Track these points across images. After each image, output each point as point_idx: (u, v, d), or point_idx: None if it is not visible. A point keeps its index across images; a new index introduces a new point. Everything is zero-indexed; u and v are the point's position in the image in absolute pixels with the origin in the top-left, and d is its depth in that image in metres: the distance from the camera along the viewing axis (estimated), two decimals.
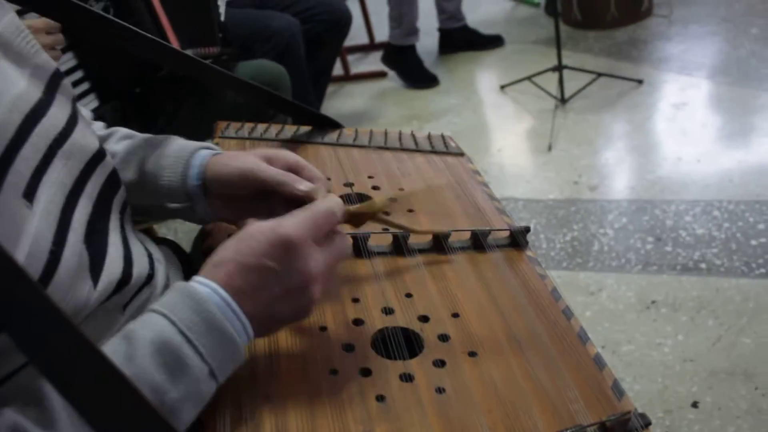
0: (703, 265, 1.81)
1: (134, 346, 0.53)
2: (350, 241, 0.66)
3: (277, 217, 0.61)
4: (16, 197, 0.56)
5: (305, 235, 0.59)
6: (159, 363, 0.53)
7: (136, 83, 1.60)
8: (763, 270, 1.76)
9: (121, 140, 0.86)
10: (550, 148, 2.51)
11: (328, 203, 0.63)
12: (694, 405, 1.40)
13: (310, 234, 0.59)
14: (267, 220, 0.60)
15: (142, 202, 0.81)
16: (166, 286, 0.77)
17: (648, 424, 0.61)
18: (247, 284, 0.57)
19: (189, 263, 0.90)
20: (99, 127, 0.89)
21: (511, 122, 2.84)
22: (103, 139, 0.85)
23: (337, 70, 3.22)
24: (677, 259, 1.85)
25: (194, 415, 0.55)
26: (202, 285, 0.57)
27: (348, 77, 3.63)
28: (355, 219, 0.71)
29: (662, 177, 2.24)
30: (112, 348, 0.53)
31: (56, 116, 0.67)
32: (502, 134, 2.77)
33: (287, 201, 0.73)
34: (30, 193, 0.58)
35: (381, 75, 3.57)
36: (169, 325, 0.54)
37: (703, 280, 1.76)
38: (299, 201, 0.71)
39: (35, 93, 0.65)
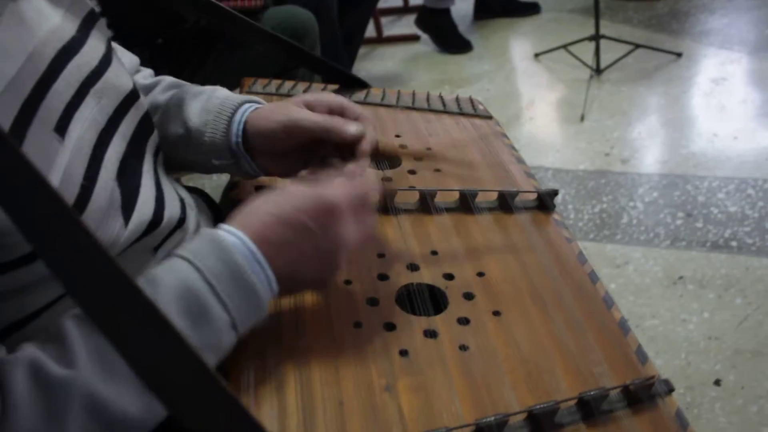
0: (733, 243, 1.77)
1: (157, 290, 0.51)
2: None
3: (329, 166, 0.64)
4: (48, 131, 0.56)
5: (348, 205, 0.59)
6: (181, 308, 0.51)
7: (159, 33, 1.58)
8: None
9: (167, 90, 0.83)
10: (582, 118, 2.46)
11: (374, 182, 0.64)
12: (717, 383, 1.38)
13: (352, 205, 0.59)
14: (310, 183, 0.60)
15: (188, 157, 0.78)
16: (197, 232, 0.77)
17: (671, 390, 0.60)
18: (278, 237, 0.56)
19: (218, 213, 0.90)
20: (147, 74, 0.88)
21: (544, 91, 2.79)
22: (149, 88, 0.84)
23: (370, 32, 3.18)
24: (707, 236, 1.81)
25: (212, 364, 0.54)
26: (230, 234, 0.56)
27: (380, 39, 3.58)
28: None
29: (696, 153, 2.19)
30: None
31: (89, 54, 0.66)
32: (534, 102, 2.73)
33: (337, 146, 0.71)
34: (62, 128, 0.58)
35: (414, 39, 3.52)
36: (195, 272, 0.53)
37: (733, 259, 1.72)
38: (350, 145, 0.71)
39: (69, 30, 0.65)
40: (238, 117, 0.75)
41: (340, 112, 0.73)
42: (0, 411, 0.45)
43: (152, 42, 1.58)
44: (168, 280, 0.52)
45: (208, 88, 0.81)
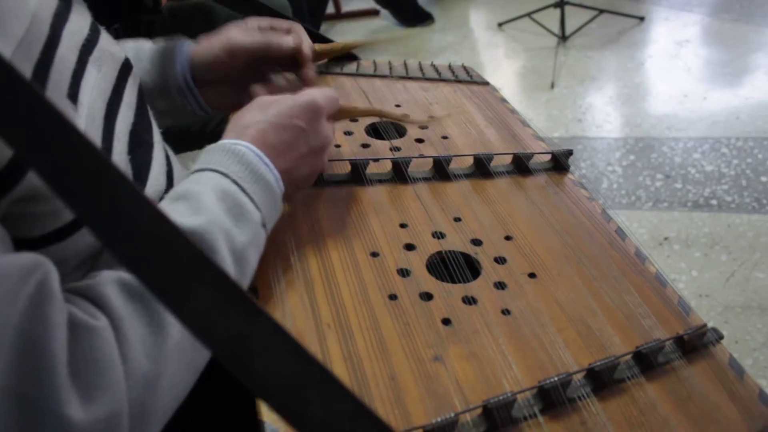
0: (713, 202, 1.80)
1: (197, 199, 0.54)
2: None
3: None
4: (62, 97, 0.52)
5: (326, 105, 0.65)
6: (224, 210, 0.54)
7: (117, 18, 1.52)
8: None
9: None
10: (552, 85, 2.46)
11: (334, 92, 0.69)
12: None
13: (327, 106, 0.65)
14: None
15: None
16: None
17: (721, 337, 0.59)
18: (280, 142, 0.61)
19: None
20: None
21: (511, 60, 2.79)
22: None
23: (329, 8, 3.13)
24: (687, 196, 1.83)
25: (256, 261, 0.58)
26: (237, 144, 0.59)
27: (339, 15, 3.53)
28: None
29: (668, 114, 2.21)
30: (174, 209, 0.54)
31: (79, 22, 0.62)
32: (502, 72, 2.72)
33: (276, 63, 0.78)
34: (73, 95, 0.54)
35: (374, 13, 3.48)
36: (223, 177, 0.56)
37: (715, 216, 1.74)
38: (288, 60, 0.78)
39: None
40: (178, 57, 0.79)
41: (270, 30, 0.79)
42: (112, 327, 0.45)
43: (108, 27, 1.51)
44: (203, 189, 0.54)
45: (127, 40, 0.84)
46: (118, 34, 1.52)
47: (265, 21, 0.79)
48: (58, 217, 0.50)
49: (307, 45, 0.78)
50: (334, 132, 0.69)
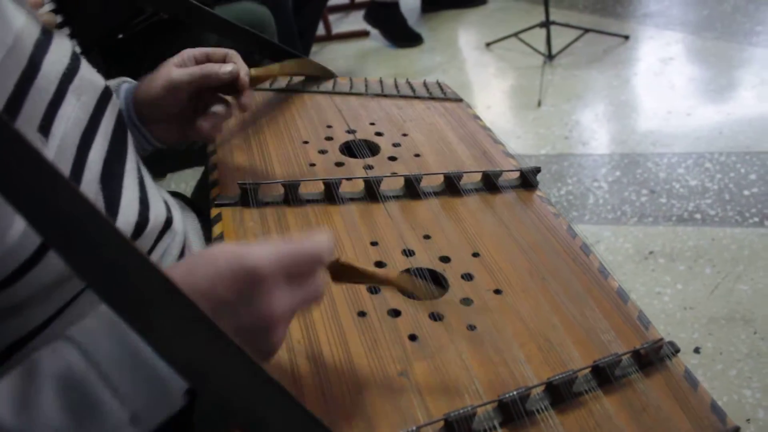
0: (698, 216, 1.81)
1: (35, 383, 0.42)
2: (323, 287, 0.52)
3: None
4: (32, 131, 0.54)
5: (277, 271, 0.47)
6: (60, 407, 0.42)
7: (118, 29, 1.54)
8: (756, 219, 1.77)
9: None
10: (539, 104, 2.49)
11: (317, 246, 0.50)
12: (696, 351, 1.41)
13: (283, 271, 0.47)
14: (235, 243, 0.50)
15: None
16: (185, 234, 0.76)
17: (677, 351, 0.61)
18: None
19: (200, 213, 0.88)
20: None
21: (499, 79, 2.81)
22: None
23: (319, 30, 3.16)
24: (672, 211, 1.85)
25: None
26: None
27: (330, 37, 3.57)
28: (337, 269, 0.56)
29: (653, 130, 2.23)
30: (8, 386, 0.43)
31: (60, 51, 0.65)
32: (490, 91, 2.75)
33: (219, 89, 0.79)
34: (45, 127, 0.56)
35: (363, 34, 3.52)
36: (80, 356, 0.43)
37: (699, 230, 1.76)
38: (231, 86, 0.78)
39: (35, 29, 0.63)
40: (122, 96, 0.79)
41: (206, 59, 0.79)
42: None
43: (113, 37, 1.53)
44: (48, 369, 0.43)
45: None
46: (122, 45, 1.55)
47: (200, 51, 0.79)
48: (25, 247, 0.51)
49: (243, 72, 0.78)
50: (314, 293, 0.51)
